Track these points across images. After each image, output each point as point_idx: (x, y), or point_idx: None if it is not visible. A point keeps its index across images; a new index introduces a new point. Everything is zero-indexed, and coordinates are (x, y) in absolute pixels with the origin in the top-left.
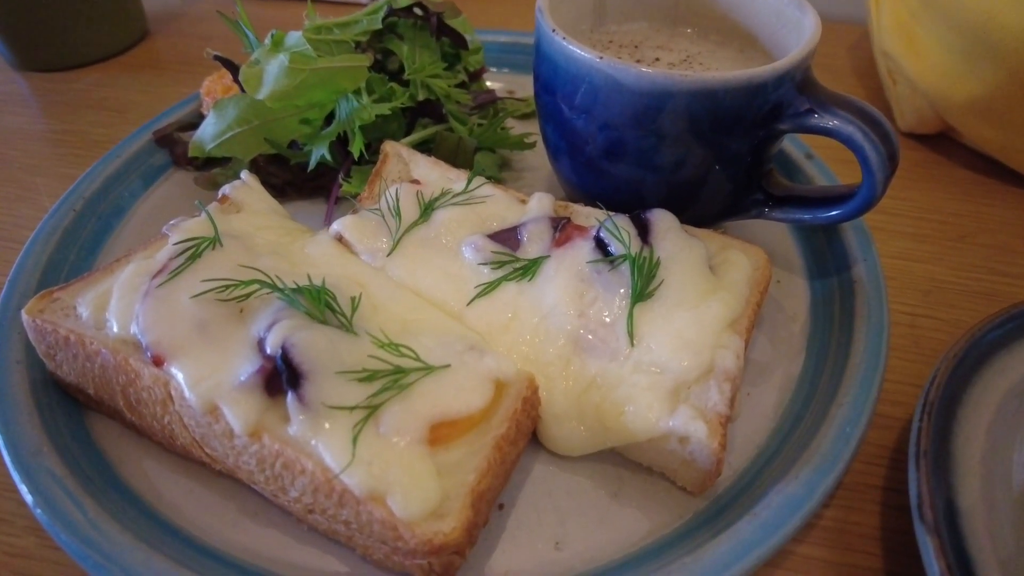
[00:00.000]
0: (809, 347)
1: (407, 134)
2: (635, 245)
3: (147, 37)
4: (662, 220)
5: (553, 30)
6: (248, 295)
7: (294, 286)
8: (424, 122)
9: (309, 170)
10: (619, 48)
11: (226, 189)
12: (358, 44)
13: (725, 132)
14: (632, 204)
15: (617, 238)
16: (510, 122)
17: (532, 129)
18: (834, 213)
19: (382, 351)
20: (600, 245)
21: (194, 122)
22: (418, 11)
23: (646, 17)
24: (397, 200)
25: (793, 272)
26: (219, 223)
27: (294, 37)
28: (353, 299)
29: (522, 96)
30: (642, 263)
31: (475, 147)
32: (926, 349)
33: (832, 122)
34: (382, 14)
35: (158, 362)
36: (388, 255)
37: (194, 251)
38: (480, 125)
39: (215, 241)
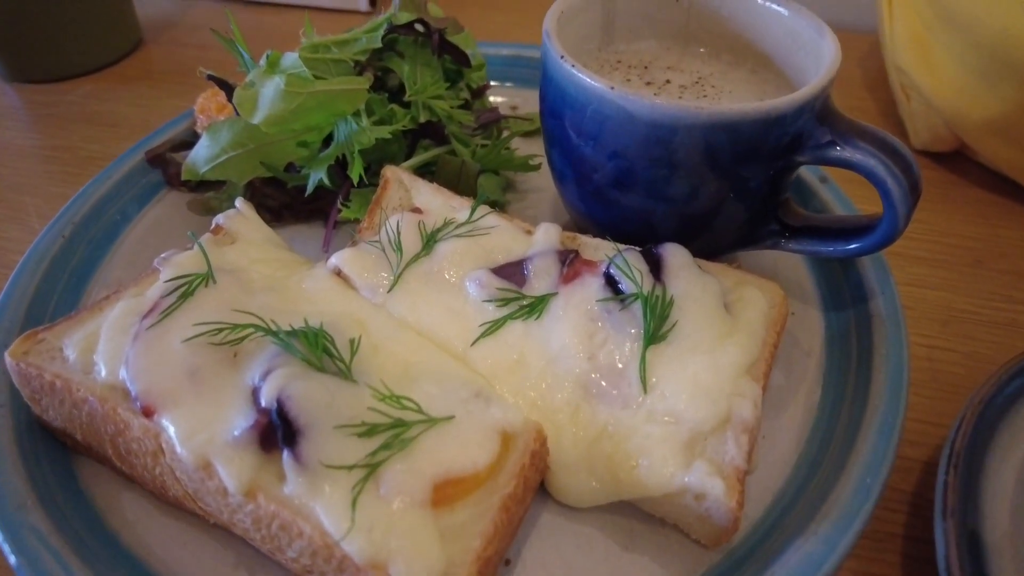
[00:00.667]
0: (825, 385)
1: (408, 156)
2: (647, 283)
3: (141, 46)
4: (675, 256)
5: (562, 56)
6: (242, 339)
7: (290, 328)
8: (425, 144)
9: (307, 195)
10: (628, 69)
11: (220, 219)
12: (357, 63)
13: (741, 164)
14: (641, 234)
15: (628, 276)
16: (514, 141)
17: (537, 148)
18: (853, 247)
19: (383, 403)
20: (610, 282)
21: (188, 141)
22: (419, 27)
23: (656, 36)
24: (398, 233)
25: (807, 303)
26: (212, 256)
27: (290, 58)
28: (352, 341)
29: (526, 113)
30: (655, 303)
31: (478, 171)
32: (945, 385)
33: (854, 155)
34: (382, 32)
35: (148, 413)
36: (389, 291)
37: (186, 289)
38: (483, 146)
39: (208, 278)
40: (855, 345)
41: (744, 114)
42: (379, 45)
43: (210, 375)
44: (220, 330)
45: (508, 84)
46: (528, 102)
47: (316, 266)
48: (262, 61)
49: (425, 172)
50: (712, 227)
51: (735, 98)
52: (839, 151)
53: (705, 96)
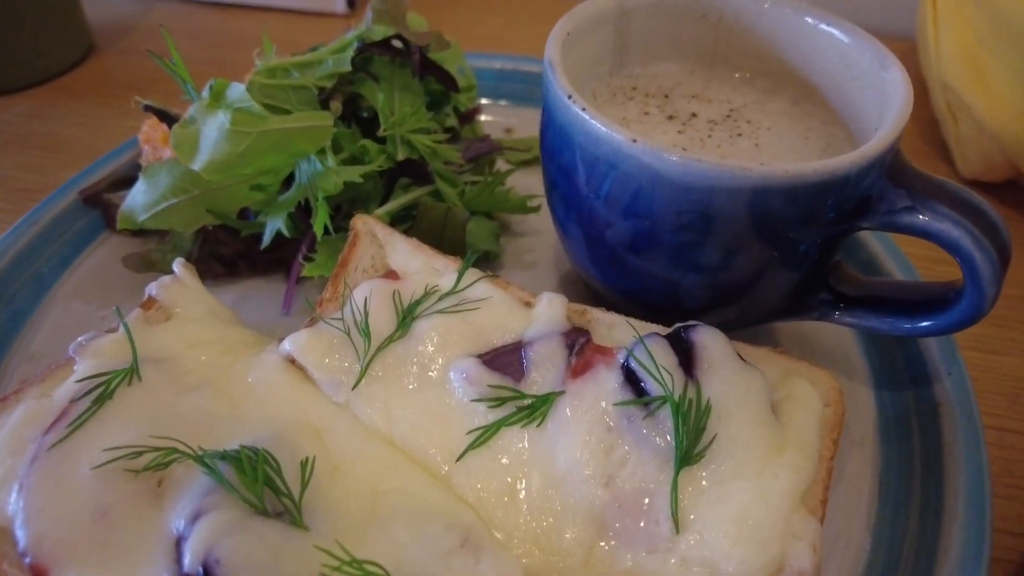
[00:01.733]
0: (884, 490)
1: (385, 197)
2: (677, 381)
3: (92, 54)
4: (711, 345)
5: (569, 96)
6: (167, 463)
7: (224, 452)
8: (405, 182)
9: (263, 246)
10: (645, 98)
11: (152, 289)
12: (322, 90)
13: (792, 232)
14: (664, 305)
15: (652, 375)
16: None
17: (537, 180)
18: (923, 325)
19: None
20: (630, 378)
21: (131, 176)
22: (397, 44)
23: (678, 57)
24: (365, 311)
25: (855, 379)
26: (141, 340)
27: (237, 90)
28: (304, 464)
29: (523, 138)
30: (688, 410)
31: (467, 219)
32: (1021, 478)
33: (932, 223)
34: (351, 52)
35: (39, 574)
36: (355, 387)
37: (103, 391)
38: (473, 183)
39: (131, 374)
40: (918, 441)
41: (803, 177)
42: (348, 69)
43: (124, 517)
44: (138, 453)
45: (502, 102)
46: (525, 123)
47: (266, 350)
48: (205, 91)
49: (405, 215)
50: (749, 297)
51: (775, 137)
52: (915, 218)
53: (740, 135)
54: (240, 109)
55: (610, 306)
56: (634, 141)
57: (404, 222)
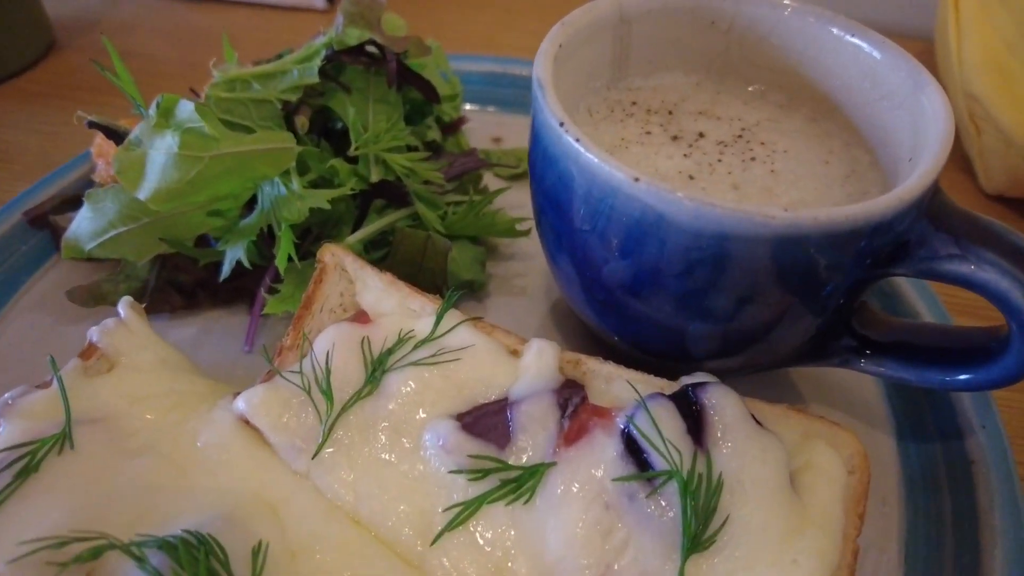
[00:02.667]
0: (910, 560)
1: (359, 219)
2: (685, 451)
3: (52, 52)
4: (724, 408)
5: (561, 124)
6: (98, 553)
7: (164, 539)
8: (381, 203)
9: (222, 278)
10: (647, 115)
11: (93, 335)
12: (286, 104)
13: (817, 281)
14: (667, 351)
15: (656, 447)
16: (494, 185)
17: (528, 196)
18: (961, 379)
19: None
20: (631, 446)
21: (82, 195)
22: (372, 49)
23: (683, 67)
24: (327, 367)
25: (876, 427)
26: (79, 396)
27: (187, 109)
28: (256, 551)
29: (513, 148)
30: (696, 487)
31: (448, 248)
32: None
33: (978, 273)
34: (319, 61)
35: None
36: (315, 456)
37: (29, 462)
38: (457, 204)
39: (63, 440)
40: (948, 502)
41: (834, 225)
42: (315, 80)
43: None
44: (63, 544)
45: (490, 108)
46: (515, 131)
47: (219, 406)
48: (152, 109)
49: (382, 240)
50: (764, 345)
51: (793, 161)
52: (959, 266)
53: (753, 158)
54: (190, 130)
55: (607, 348)
56: (636, 180)
57: (381, 247)
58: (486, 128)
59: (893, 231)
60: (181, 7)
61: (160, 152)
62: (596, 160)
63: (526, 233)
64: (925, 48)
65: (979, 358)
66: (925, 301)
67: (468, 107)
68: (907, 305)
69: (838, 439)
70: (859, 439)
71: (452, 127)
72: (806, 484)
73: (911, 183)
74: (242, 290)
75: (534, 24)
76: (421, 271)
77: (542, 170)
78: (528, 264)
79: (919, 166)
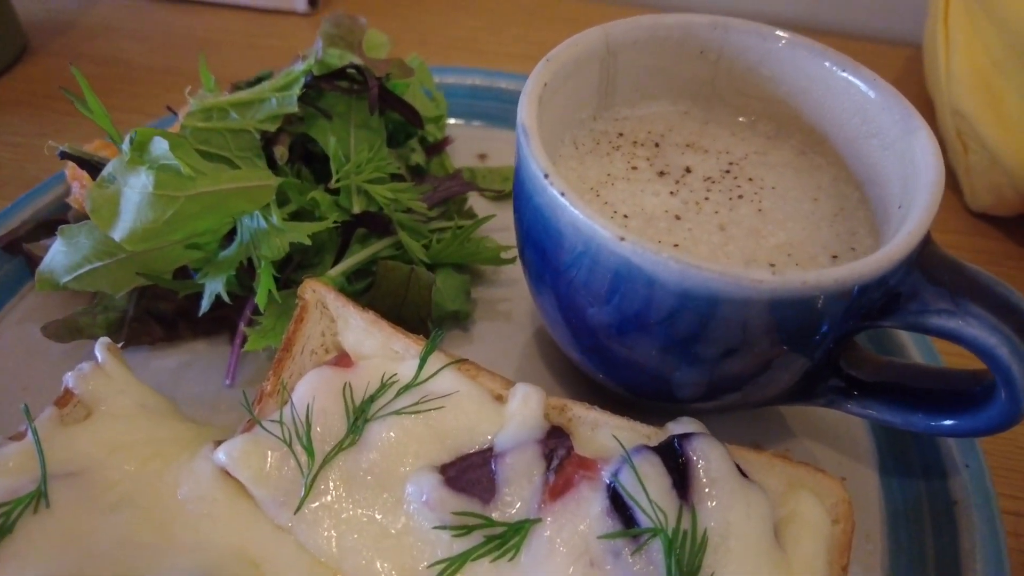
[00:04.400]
0: None
1: (342, 248)
2: (670, 507)
3: (24, 57)
4: (709, 461)
5: (546, 176)
6: None
7: None
8: (363, 232)
9: (201, 313)
10: (633, 147)
11: (69, 380)
12: (264, 134)
13: (804, 335)
14: (653, 392)
15: (640, 506)
16: (480, 205)
17: (512, 218)
18: (945, 424)
19: None
20: (616, 503)
21: (57, 219)
22: (352, 72)
23: (670, 95)
24: (308, 420)
25: (860, 460)
26: (54, 447)
27: (161, 146)
28: None
29: (499, 165)
30: (681, 544)
31: (432, 282)
32: None
33: (967, 328)
34: (298, 88)
35: None
36: (298, 510)
37: (3, 523)
38: (442, 231)
39: (38, 499)
40: (931, 540)
41: (822, 288)
42: (294, 108)
43: None
44: None
45: (475, 123)
46: (501, 147)
47: (201, 455)
48: (125, 144)
49: (366, 271)
50: (749, 387)
51: (781, 198)
52: (947, 321)
53: (741, 196)
54: (166, 168)
55: (592, 382)
56: (622, 239)
57: (364, 277)
58: (471, 144)
59: (884, 286)
60: (159, 9)
61: (135, 191)
62: (581, 216)
63: (512, 261)
64: (913, 55)
65: (964, 405)
66: (914, 339)
67: (452, 121)
68: (895, 341)
69: (823, 487)
70: (844, 486)
71: (436, 148)
72: (790, 536)
73: (901, 240)
74: (224, 320)
75: (519, 29)
76: (405, 303)
77: (525, 216)
78: (513, 289)
79: (909, 220)
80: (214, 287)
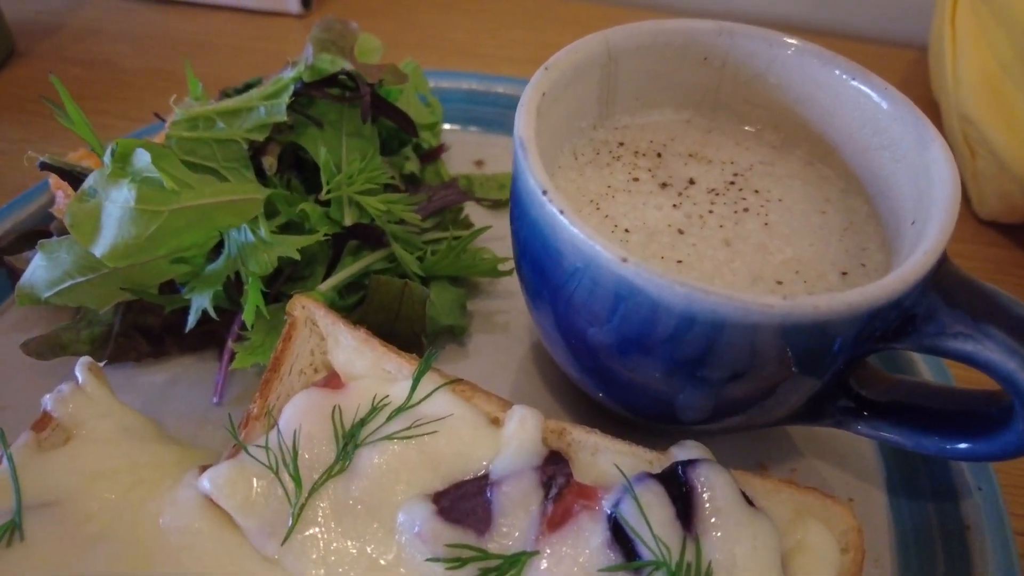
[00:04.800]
0: None
1: (333, 260)
2: (673, 539)
3: (11, 60)
4: (714, 489)
5: (545, 192)
6: None
7: None
8: (356, 243)
9: (188, 329)
10: (634, 158)
11: (47, 403)
12: (252, 144)
13: (814, 360)
14: (656, 414)
15: (639, 538)
16: (477, 214)
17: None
18: (960, 448)
19: None
20: (618, 534)
21: (40, 230)
22: (344, 79)
23: (673, 104)
24: (295, 448)
25: (868, 480)
26: (31, 476)
27: (144, 158)
28: None
29: (496, 172)
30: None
31: (426, 297)
32: None
33: (982, 351)
34: (287, 96)
35: None
36: (284, 541)
37: None
38: (436, 242)
39: (12, 531)
40: (942, 566)
41: (835, 313)
42: (283, 117)
43: None
44: None
45: (472, 128)
46: (498, 154)
47: (184, 483)
48: (107, 156)
49: (359, 284)
50: (755, 411)
51: (787, 211)
52: (962, 343)
53: (746, 209)
54: (148, 181)
55: (593, 402)
56: (624, 261)
57: (357, 290)
58: (468, 150)
59: (899, 309)
60: (148, 11)
61: (116, 205)
62: (581, 235)
63: (509, 272)
64: (919, 57)
65: (979, 425)
66: (925, 356)
67: (448, 127)
68: (904, 358)
69: (831, 514)
70: (853, 513)
71: (431, 155)
72: (799, 567)
73: (917, 260)
74: (213, 335)
75: (519, 32)
76: (399, 319)
77: (522, 232)
78: (511, 301)
79: (925, 238)
80: (201, 302)
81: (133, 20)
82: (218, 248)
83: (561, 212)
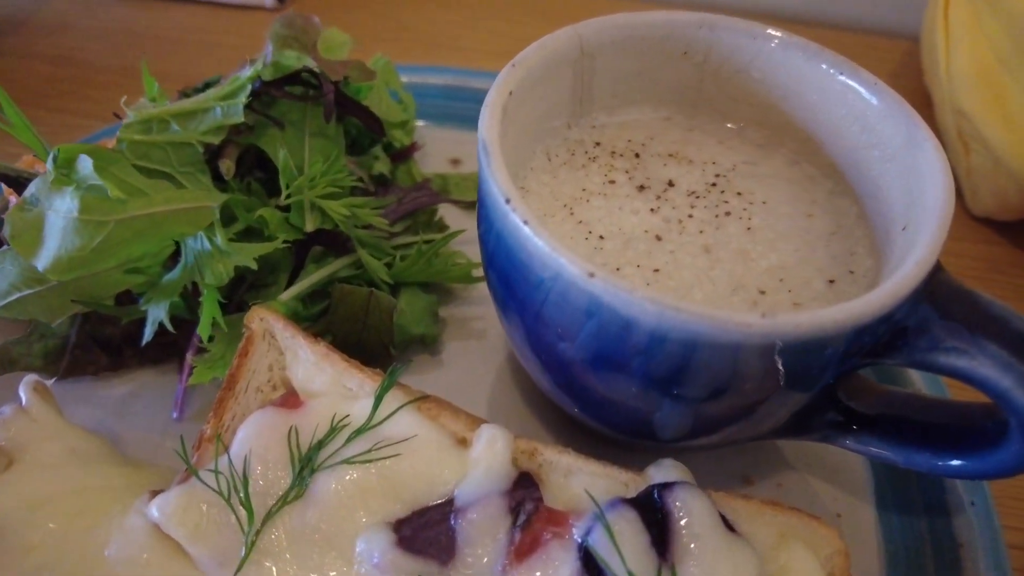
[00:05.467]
0: None
1: (296, 267)
2: (648, 567)
3: None
4: (692, 517)
5: (508, 201)
6: None
7: None
8: (320, 251)
9: (144, 342)
10: (611, 159)
11: None
12: (208, 147)
13: (801, 376)
14: (633, 431)
15: (609, 570)
16: (452, 215)
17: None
18: (953, 465)
19: None
20: (589, 564)
21: None
22: (307, 76)
23: (651, 101)
24: (245, 474)
25: (857, 496)
26: None
27: (87, 165)
28: None
29: (472, 171)
30: None
31: (393, 306)
32: None
33: (980, 369)
34: (244, 98)
35: None
36: (238, 572)
37: None
38: (406, 247)
39: None
40: None
41: (820, 329)
42: (240, 118)
43: None
44: None
45: (448, 125)
46: (476, 153)
47: (134, 509)
48: (49, 163)
49: (323, 292)
50: (737, 427)
51: (772, 215)
52: (955, 359)
53: (728, 213)
54: (93, 189)
55: (572, 419)
56: (591, 276)
57: (322, 298)
58: (443, 148)
59: (889, 323)
60: (118, 5)
61: (59, 215)
62: (546, 248)
63: (483, 279)
64: (911, 48)
65: (973, 441)
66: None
67: (423, 123)
68: (896, 368)
69: (817, 536)
70: (840, 535)
71: (403, 154)
72: None
73: (907, 272)
74: (173, 346)
75: (499, 24)
76: (365, 329)
77: (489, 242)
78: (486, 307)
79: (916, 247)
80: (157, 314)
81: (102, 15)
82: (175, 256)
83: (525, 222)
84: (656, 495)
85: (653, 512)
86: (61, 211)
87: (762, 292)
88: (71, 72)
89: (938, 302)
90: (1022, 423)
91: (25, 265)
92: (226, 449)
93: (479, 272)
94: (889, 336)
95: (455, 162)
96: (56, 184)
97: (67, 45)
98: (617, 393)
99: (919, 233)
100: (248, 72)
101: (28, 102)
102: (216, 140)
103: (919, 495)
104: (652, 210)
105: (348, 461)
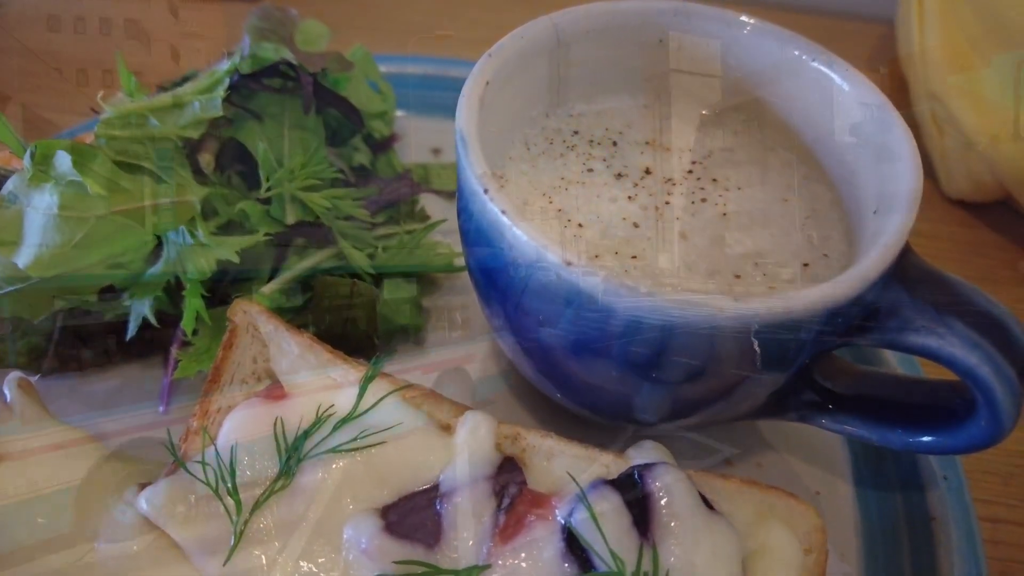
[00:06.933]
0: None
1: (278, 259)
2: (630, 548)
3: None
4: (672, 496)
5: (486, 191)
6: None
7: None
8: (302, 243)
9: (128, 337)
10: (589, 147)
11: None
12: (187, 141)
13: (772, 359)
14: (614, 413)
15: (592, 549)
16: (433, 205)
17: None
18: (924, 441)
19: None
20: (572, 545)
21: None
22: (285, 68)
23: (629, 89)
24: (232, 464)
25: (835, 473)
26: None
27: (65, 161)
28: None
29: (452, 161)
30: None
31: (376, 297)
32: None
33: (946, 347)
34: (222, 92)
35: None
36: (227, 562)
37: None
38: (388, 238)
39: None
40: (908, 560)
41: (790, 313)
42: (218, 112)
43: None
44: None
45: (428, 115)
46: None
47: (120, 504)
48: (27, 159)
49: (306, 284)
50: (715, 408)
51: (748, 200)
52: (924, 338)
53: (704, 200)
54: (72, 185)
55: (556, 404)
56: (568, 264)
57: (306, 291)
58: (424, 138)
59: (860, 304)
60: None
61: (39, 211)
62: (524, 238)
63: (465, 268)
64: (887, 33)
65: (945, 421)
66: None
67: (402, 114)
68: (872, 349)
69: (795, 514)
70: (818, 512)
71: (383, 145)
72: (760, 570)
73: (877, 254)
74: (158, 340)
75: (476, 12)
76: (349, 320)
77: (469, 232)
78: (470, 296)
79: (886, 231)
80: (140, 309)
81: (78, 5)
82: (157, 251)
83: (503, 212)
84: (637, 476)
85: (634, 493)
86: (40, 208)
87: (737, 276)
88: (42, 67)
89: (908, 283)
90: (988, 399)
91: (5, 262)
92: (213, 441)
93: (461, 261)
94: (861, 317)
95: (436, 151)
96: (34, 181)
97: (41, 37)
98: (597, 378)
99: (889, 216)
100: (226, 65)
101: (1, 97)
102: (195, 134)
103: (895, 471)
104: (630, 198)
105: (334, 450)
